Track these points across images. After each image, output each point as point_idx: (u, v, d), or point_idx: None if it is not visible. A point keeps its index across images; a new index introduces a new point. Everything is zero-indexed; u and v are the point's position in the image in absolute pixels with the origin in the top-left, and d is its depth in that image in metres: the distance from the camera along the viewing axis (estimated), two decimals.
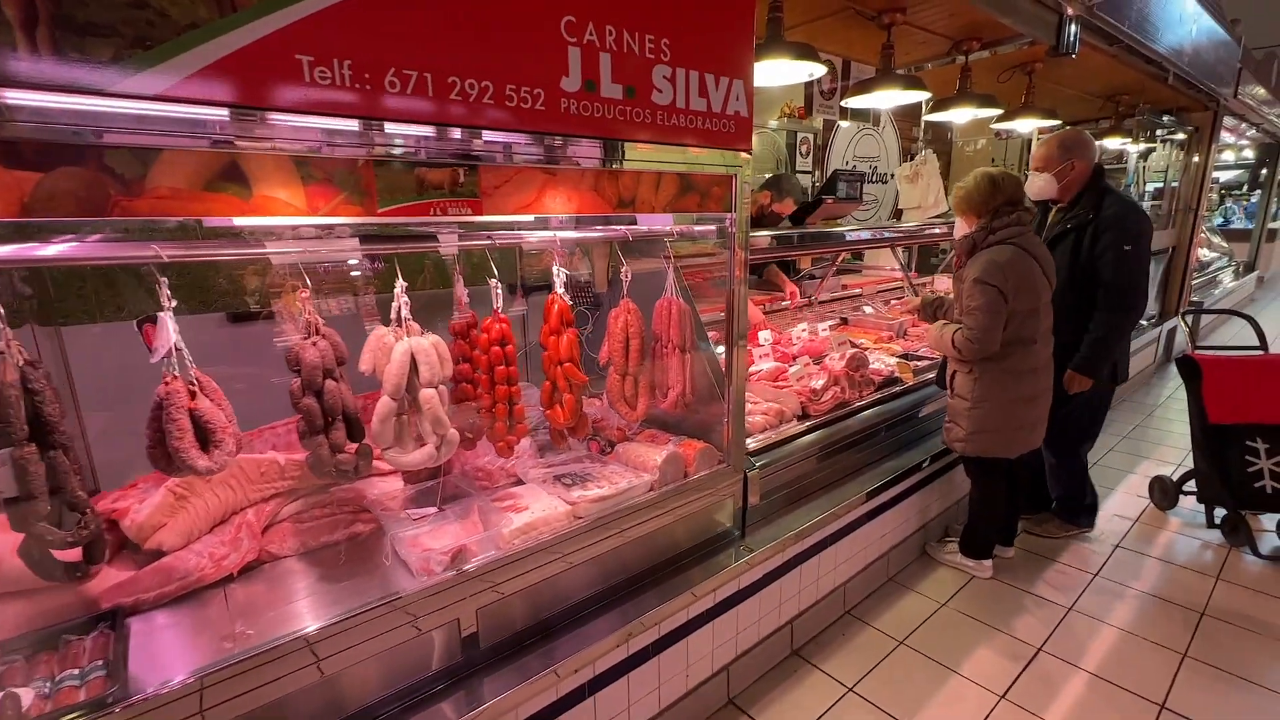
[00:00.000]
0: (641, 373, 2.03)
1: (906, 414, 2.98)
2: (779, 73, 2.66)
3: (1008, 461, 2.64)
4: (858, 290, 4.33)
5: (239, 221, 1.32)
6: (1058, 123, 4.13)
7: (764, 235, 2.66)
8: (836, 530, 2.51)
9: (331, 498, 1.78)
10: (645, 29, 1.57)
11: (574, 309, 2.73)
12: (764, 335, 3.38)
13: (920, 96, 3.07)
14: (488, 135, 1.36)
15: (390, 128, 1.23)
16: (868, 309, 4.38)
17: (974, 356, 2.43)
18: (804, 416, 2.60)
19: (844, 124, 6.35)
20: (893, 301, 4.55)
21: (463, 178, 1.36)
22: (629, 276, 1.97)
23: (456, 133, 1.31)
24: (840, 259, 3.84)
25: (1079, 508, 3.24)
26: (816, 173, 6.06)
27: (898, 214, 4.95)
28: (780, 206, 3.48)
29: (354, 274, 2.14)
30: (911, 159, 5.03)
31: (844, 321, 4.23)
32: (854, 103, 3.24)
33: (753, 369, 2.97)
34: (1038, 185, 2.94)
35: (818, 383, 2.66)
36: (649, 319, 2.09)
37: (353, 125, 1.18)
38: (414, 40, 1.22)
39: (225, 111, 1.05)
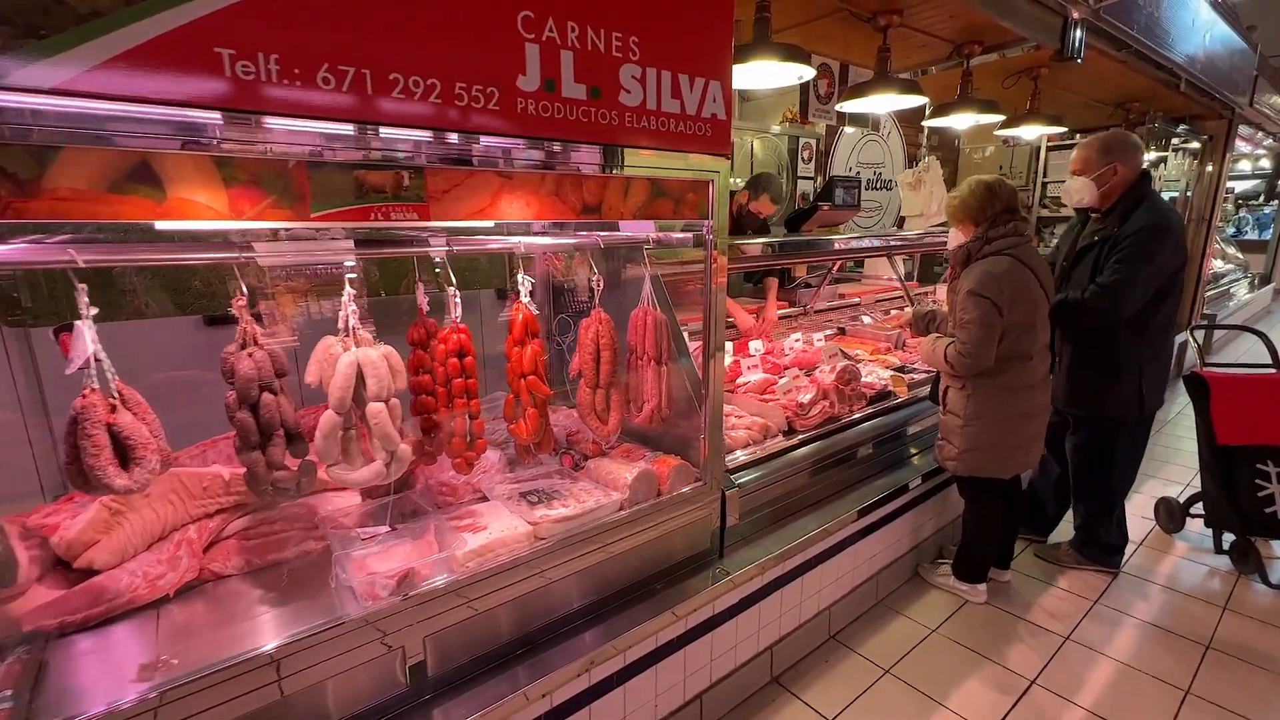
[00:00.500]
0: (615, 386, 1.94)
1: (899, 429, 2.88)
2: (767, 75, 2.58)
3: (1003, 481, 2.53)
4: (856, 299, 4.22)
5: (214, 225, 1.22)
6: (1063, 130, 4.01)
7: (752, 243, 2.57)
8: (822, 551, 2.41)
9: (281, 514, 1.70)
10: (612, 26, 1.49)
11: (560, 317, 2.65)
12: (755, 345, 3.29)
13: (917, 101, 2.97)
14: (434, 137, 1.28)
15: (324, 127, 1.14)
16: (866, 319, 4.28)
17: (967, 371, 2.33)
18: (790, 432, 2.50)
19: (848, 130, 6.26)
20: (893, 311, 4.44)
21: (408, 181, 1.27)
22: (600, 285, 1.89)
23: (398, 133, 1.23)
24: (837, 267, 3.75)
25: (1109, 547, 3.01)
26: (819, 179, 5.96)
27: (900, 222, 4.84)
28: (758, 205, 3.38)
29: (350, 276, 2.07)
30: (915, 165, 4.92)
31: (841, 331, 4.13)
32: (849, 107, 3.15)
33: (740, 380, 2.87)
34: (1075, 191, 2.68)
35: (805, 396, 2.56)
36: (628, 328, 2.01)
37: (281, 124, 1.10)
38: (351, 34, 1.14)
39: (133, 108, 0.97)
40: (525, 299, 1.74)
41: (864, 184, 6.50)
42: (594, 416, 1.94)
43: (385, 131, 1.21)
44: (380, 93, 1.18)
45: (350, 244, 1.46)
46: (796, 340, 3.44)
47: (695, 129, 1.72)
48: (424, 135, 1.27)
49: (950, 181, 7.11)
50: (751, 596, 2.17)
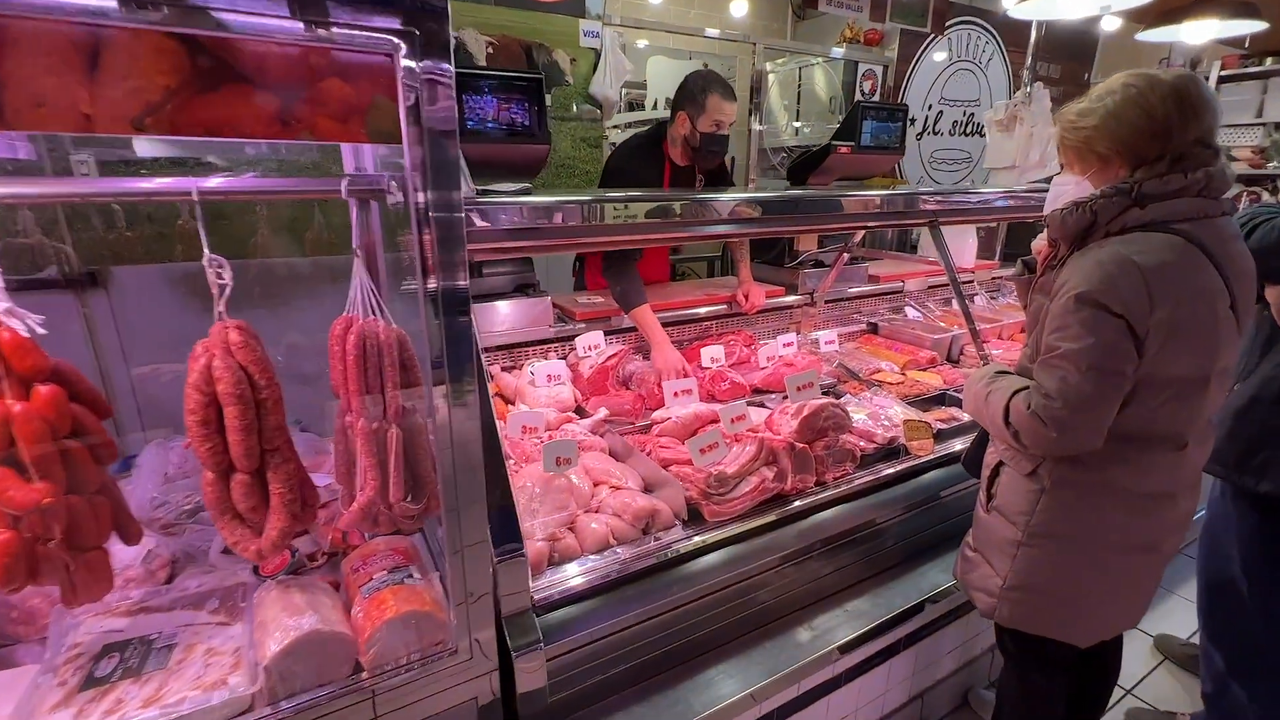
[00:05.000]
0: (275, 465, 1.03)
1: (906, 514, 1.79)
2: None
3: (1078, 650, 1.40)
4: (899, 284, 3.02)
5: None
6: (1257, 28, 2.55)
7: (537, 203, 1.52)
8: None
9: None
10: None
11: None
12: (711, 352, 2.25)
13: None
14: None
15: None
16: (912, 311, 3.07)
17: (1048, 448, 1.21)
18: (695, 521, 1.50)
19: (937, 56, 4.80)
20: (954, 305, 3.19)
21: None
22: (226, 277, 0.96)
23: None
24: (857, 239, 2.56)
25: None
26: None
27: (985, 178, 3.51)
28: (711, 119, 2.17)
29: None
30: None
31: (873, 330, 2.96)
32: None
33: (660, 415, 1.87)
34: None
35: (729, 464, 1.53)
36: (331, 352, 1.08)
37: None
38: None
39: None
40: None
41: (951, 127, 5.04)
42: (234, 520, 1.04)
43: None
44: None
45: None
46: (789, 344, 2.36)
47: None
48: None
49: None
50: None
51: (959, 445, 1.89)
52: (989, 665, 2.03)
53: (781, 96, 5.13)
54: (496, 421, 1.79)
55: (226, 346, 0.96)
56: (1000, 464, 1.36)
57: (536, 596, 1.25)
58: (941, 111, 4.94)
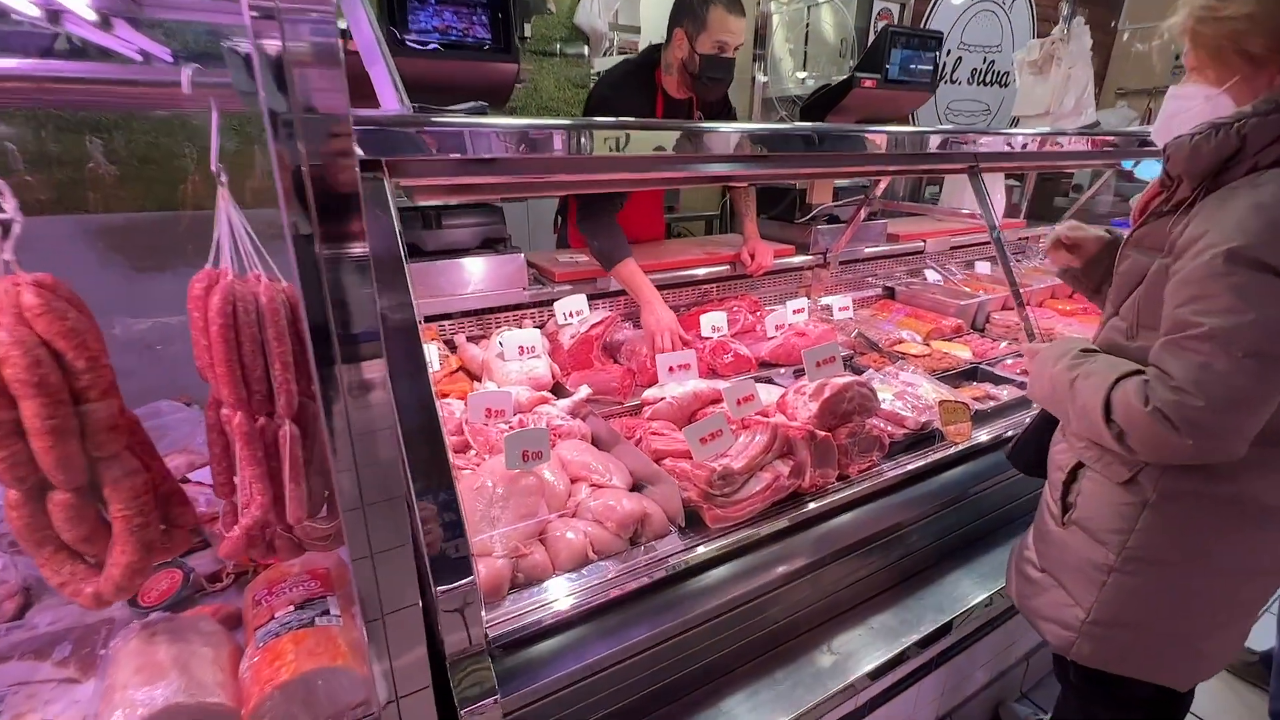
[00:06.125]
0: (113, 480, 0.74)
1: (942, 510, 1.53)
2: None
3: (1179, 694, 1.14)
4: (919, 243, 2.71)
5: None
6: None
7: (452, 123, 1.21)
8: None
9: None
10: None
11: None
12: (712, 319, 1.96)
13: None
14: None
15: None
16: (932, 274, 2.78)
17: (1173, 455, 0.90)
18: (693, 527, 1.23)
19: None
20: (978, 264, 2.89)
21: None
22: (9, 209, 0.65)
23: None
24: (881, 188, 2.23)
25: None
26: None
27: (1013, 125, 3.17)
28: (712, 38, 1.81)
29: None
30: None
31: (889, 295, 2.67)
32: None
33: (652, 394, 1.58)
34: None
35: (735, 457, 1.25)
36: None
37: None
38: None
39: None
40: None
41: (970, 75, 4.66)
42: (57, 555, 0.75)
43: None
44: None
45: None
46: (800, 311, 2.07)
47: None
48: None
49: (1098, 78, 5.05)
50: None
51: (990, 431, 1.62)
52: (1022, 675, 1.81)
53: (787, 40, 4.71)
54: (453, 404, 1.50)
55: (18, 313, 0.66)
56: (1079, 465, 1.08)
57: (493, 633, 0.98)
58: (960, 58, 4.55)
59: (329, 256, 0.66)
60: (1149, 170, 2.26)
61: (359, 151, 0.85)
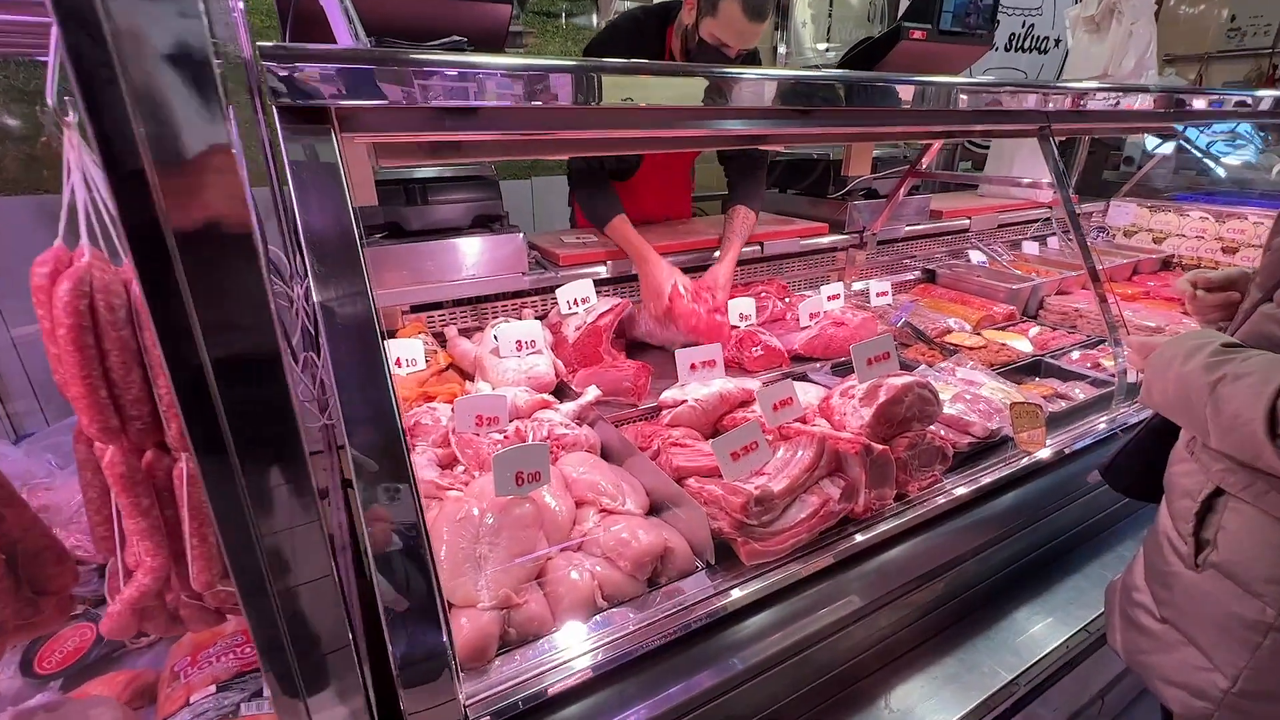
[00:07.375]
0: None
1: (1014, 534, 1.29)
2: None
3: None
4: (964, 220, 2.44)
5: None
6: None
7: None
8: None
9: None
10: None
11: None
12: (740, 306, 1.73)
13: None
14: None
15: None
16: (976, 256, 2.51)
17: None
18: (724, 562, 1.01)
19: None
20: (1025, 244, 2.61)
21: None
22: None
23: None
24: (931, 154, 1.95)
25: None
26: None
27: None
28: (717, 24, 1.54)
29: None
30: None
31: (930, 279, 2.42)
32: None
33: (670, 397, 1.36)
34: None
35: (774, 476, 1.03)
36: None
37: None
38: None
39: None
40: None
41: (1008, 42, 4.33)
42: None
43: None
44: None
45: None
46: (835, 297, 1.83)
47: None
48: None
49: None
50: None
51: (1061, 439, 1.38)
52: (1096, 715, 1.58)
53: (810, 6, 4.41)
54: (439, 410, 1.29)
55: None
56: (1219, 493, 0.85)
57: (472, 709, 0.77)
58: (998, 22, 4.21)
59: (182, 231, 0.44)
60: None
61: (292, 99, 0.63)
